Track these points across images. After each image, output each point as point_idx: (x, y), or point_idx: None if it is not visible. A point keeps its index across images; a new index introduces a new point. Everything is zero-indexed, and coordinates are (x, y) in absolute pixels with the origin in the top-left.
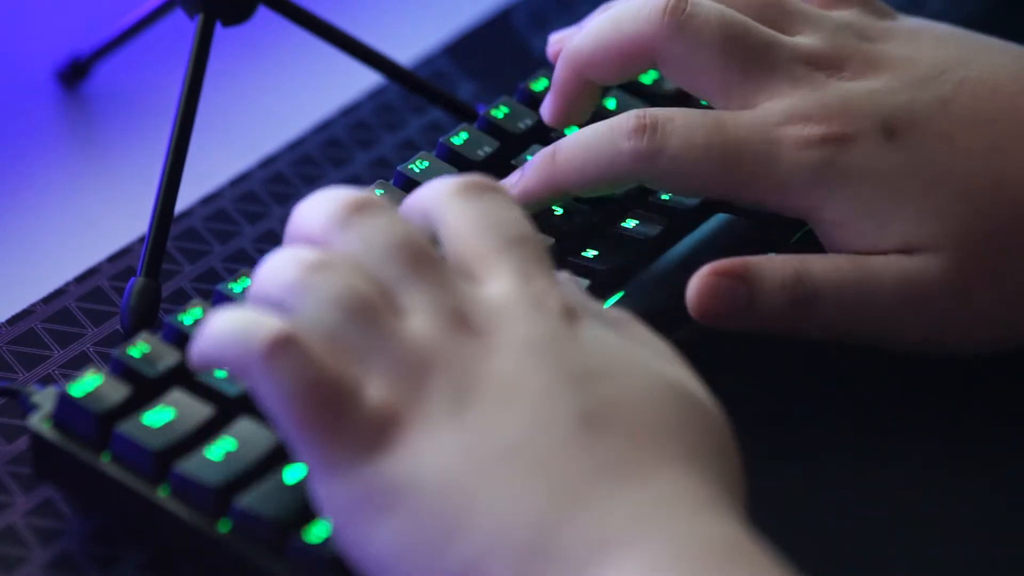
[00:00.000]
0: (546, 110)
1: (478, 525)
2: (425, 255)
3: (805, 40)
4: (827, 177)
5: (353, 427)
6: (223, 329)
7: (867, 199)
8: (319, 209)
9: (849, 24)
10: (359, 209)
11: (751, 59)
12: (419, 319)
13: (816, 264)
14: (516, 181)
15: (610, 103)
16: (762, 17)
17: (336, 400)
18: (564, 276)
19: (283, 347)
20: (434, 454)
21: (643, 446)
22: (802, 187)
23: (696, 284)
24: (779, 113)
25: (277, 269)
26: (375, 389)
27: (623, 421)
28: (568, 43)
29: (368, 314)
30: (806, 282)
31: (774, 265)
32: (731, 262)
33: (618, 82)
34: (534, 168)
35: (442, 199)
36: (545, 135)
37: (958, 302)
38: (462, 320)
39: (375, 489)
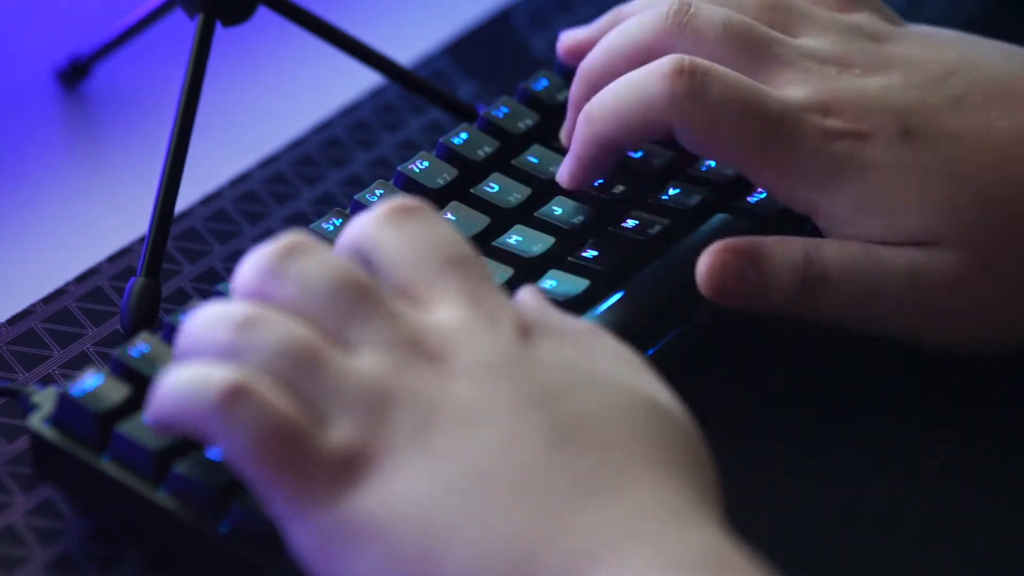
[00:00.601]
0: (566, 131)
1: (457, 554)
2: (365, 289)
3: (813, 41)
4: (843, 170)
5: (318, 467)
6: (174, 388)
7: (879, 194)
8: (253, 264)
9: (858, 26)
10: (289, 254)
11: (757, 53)
12: (370, 354)
13: (827, 248)
14: (565, 160)
15: None
16: (768, 19)
17: (297, 442)
18: (524, 290)
19: (237, 396)
20: (404, 486)
21: (615, 458)
22: (819, 177)
23: (706, 260)
24: (801, 99)
25: (208, 327)
26: (336, 428)
27: (591, 435)
28: (583, 63)
29: (313, 357)
30: (816, 265)
31: (785, 246)
32: (742, 240)
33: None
34: (576, 132)
35: (370, 230)
36: (546, 135)
37: (964, 299)
38: (415, 348)
39: (348, 526)
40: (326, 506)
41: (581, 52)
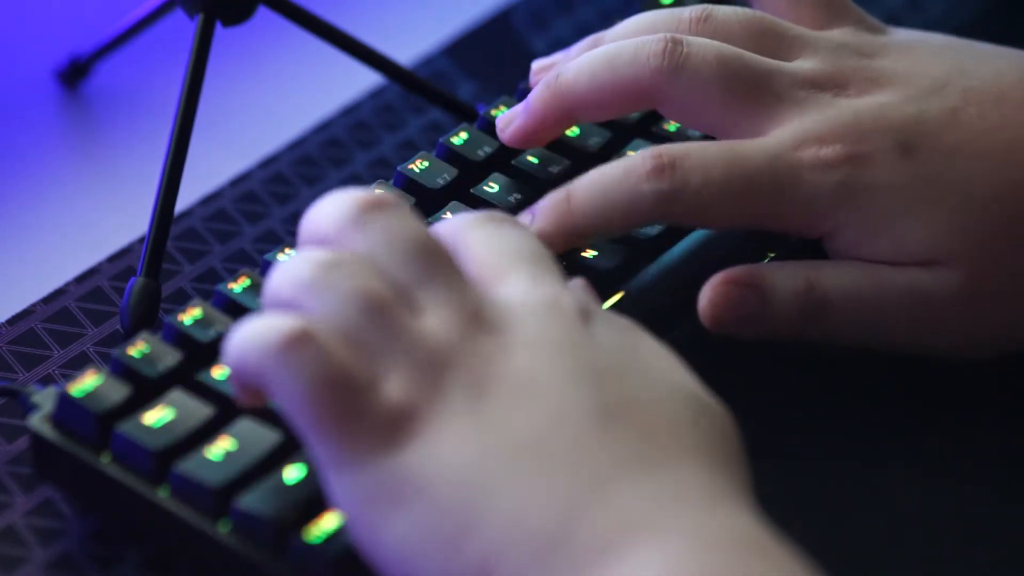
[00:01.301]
0: (514, 132)
1: (495, 519)
2: (440, 254)
3: (805, 64)
4: (848, 196)
5: (369, 421)
6: (242, 335)
7: (886, 215)
8: (332, 210)
9: (845, 43)
10: (372, 209)
11: (753, 91)
12: (435, 317)
13: (828, 272)
14: (529, 223)
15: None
16: (758, 46)
17: (352, 394)
18: (576, 282)
19: (299, 343)
20: (451, 449)
21: (659, 440)
22: (824, 209)
23: (708, 293)
24: (791, 139)
25: (291, 270)
26: (392, 385)
27: (639, 417)
28: (560, 78)
29: (383, 311)
30: (818, 291)
31: (785, 273)
32: (743, 271)
33: (606, 119)
34: (548, 212)
35: (461, 229)
36: None
37: (967, 313)
38: (478, 318)
39: (391, 483)
40: (372, 461)
41: (533, 137)
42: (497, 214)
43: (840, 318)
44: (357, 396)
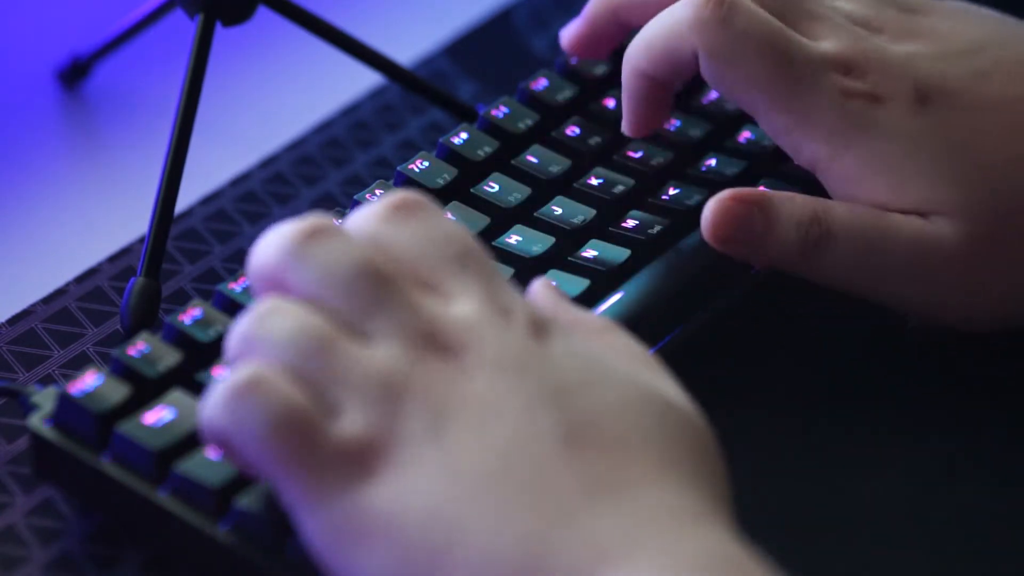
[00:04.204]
0: (570, 39)
1: (465, 552)
2: (386, 278)
3: (847, 3)
4: (856, 126)
5: (329, 458)
6: (205, 405)
7: (886, 157)
8: (271, 247)
9: None
10: (310, 238)
11: (793, 10)
12: (386, 344)
13: (836, 209)
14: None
15: None
16: None
17: (308, 432)
18: (537, 284)
19: (248, 389)
20: (415, 481)
21: (627, 459)
22: (829, 132)
23: (713, 206)
24: (823, 53)
25: (237, 326)
26: (348, 419)
27: (604, 435)
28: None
29: (328, 347)
30: (823, 223)
31: (794, 202)
32: (751, 190)
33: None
34: (623, 76)
35: (379, 225)
36: (545, 136)
37: (966, 272)
38: (431, 341)
39: (357, 519)
40: (336, 498)
41: (585, 41)
42: (409, 198)
43: (841, 255)
44: (313, 434)
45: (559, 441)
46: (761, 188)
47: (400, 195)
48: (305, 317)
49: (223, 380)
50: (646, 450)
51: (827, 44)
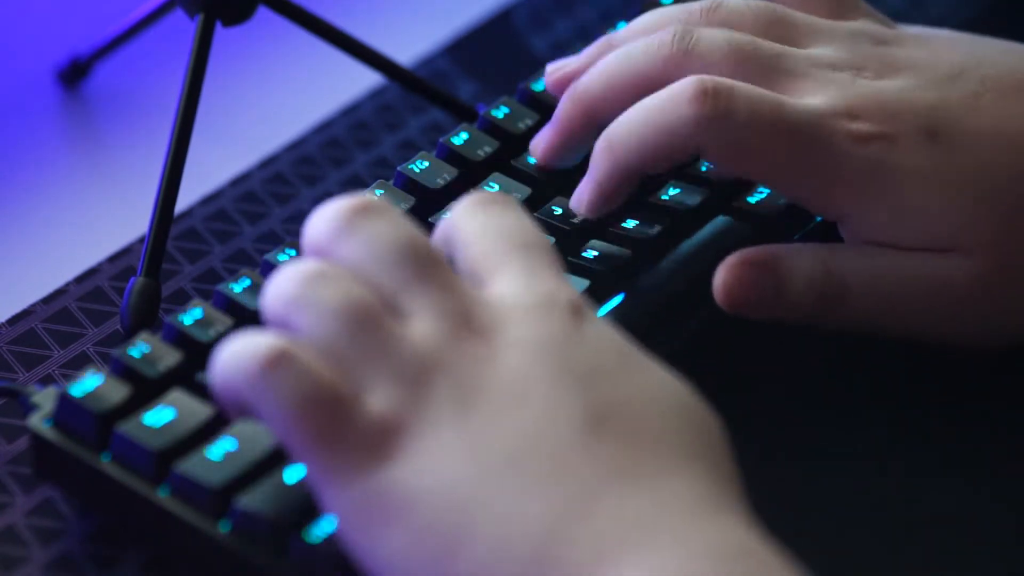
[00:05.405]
0: (543, 147)
1: (482, 537)
2: (429, 257)
3: (820, 50)
4: (877, 175)
5: (355, 435)
6: (223, 360)
7: (913, 202)
8: (323, 219)
9: (861, 31)
10: (359, 214)
11: (768, 69)
12: (422, 323)
13: (847, 257)
14: (581, 188)
15: None
16: (770, 35)
17: (335, 409)
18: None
19: (278, 362)
20: (438, 461)
21: (648, 449)
22: (853, 183)
23: (724, 273)
24: (821, 107)
25: (279, 284)
26: (377, 397)
27: (627, 423)
28: (578, 85)
29: (367, 322)
30: (835, 276)
31: (803, 257)
32: (759, 251)
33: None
34: (596, 161)
35: (454, 223)
36: None
37: (986, 302)
38: (466, 322)
39: (380, 498)
40: (360, 477)
41: (562, 151)
42: (492, 194)
43: (858, 305)
44: (341, 412)
45: (581, 426)
46: (767, 247)
47: (484, 191)
48: (351, 288)
49: (250, 341)
50: (666, 442)
51: (821, 98)
